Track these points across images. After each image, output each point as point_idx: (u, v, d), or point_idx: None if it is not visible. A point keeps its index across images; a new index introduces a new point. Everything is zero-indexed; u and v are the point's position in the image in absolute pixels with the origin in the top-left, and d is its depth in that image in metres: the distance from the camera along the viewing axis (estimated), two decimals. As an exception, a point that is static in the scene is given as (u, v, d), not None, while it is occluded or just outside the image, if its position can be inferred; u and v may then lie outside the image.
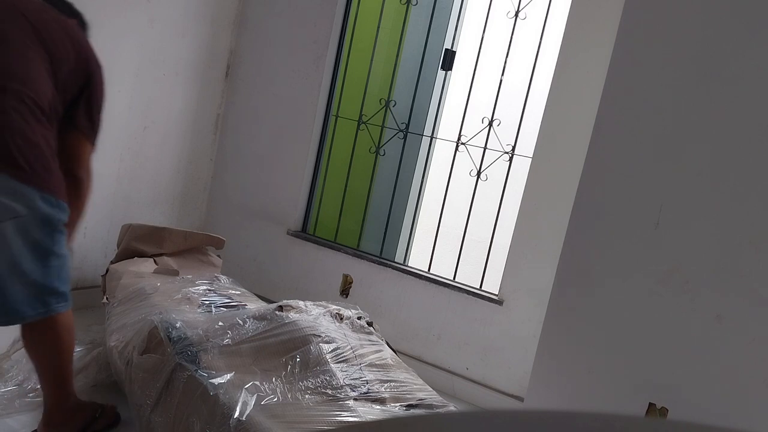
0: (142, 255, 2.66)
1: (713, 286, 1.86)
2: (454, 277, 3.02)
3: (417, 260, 3.30)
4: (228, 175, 3.59)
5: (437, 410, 1.91)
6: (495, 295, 2.84)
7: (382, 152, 3.30)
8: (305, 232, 3.42)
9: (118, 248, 2.71)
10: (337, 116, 3.39)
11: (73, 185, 1.89)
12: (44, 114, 1.77)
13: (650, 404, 1.94)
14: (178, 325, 2.00)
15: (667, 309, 1.91)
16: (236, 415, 1.62)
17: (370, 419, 1.69)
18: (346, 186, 3.39)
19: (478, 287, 2.95)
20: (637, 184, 1.97)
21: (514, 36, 2.90)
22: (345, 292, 3.20)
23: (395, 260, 3.23)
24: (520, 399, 2.72)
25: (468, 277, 3.02)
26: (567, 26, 2.67)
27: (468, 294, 2.89)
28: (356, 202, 3.42)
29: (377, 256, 3.18)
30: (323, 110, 3.36)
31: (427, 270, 3.10)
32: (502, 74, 2.94)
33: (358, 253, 3.21)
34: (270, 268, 3.44)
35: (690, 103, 1.89)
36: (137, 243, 2.67)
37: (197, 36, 3.31)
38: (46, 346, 1.90)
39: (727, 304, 1.83)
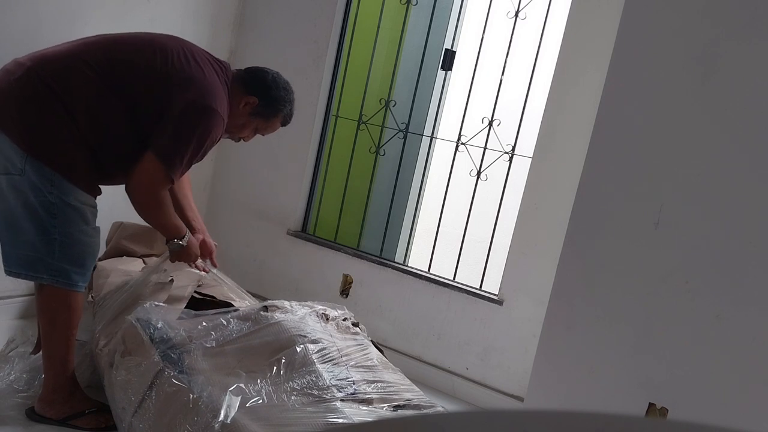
0: (131, 254, 2.60)
1: (713, 286, 1.85)
2: (454, 277, 3.02)
3: (417, 260, 3.30)
4: (228, 175, 3.59)
5: (425, 411, 1.89)
6: (495, 295, 2.84)
7: (382, 152, 3.30)
8: (305, 232, 3.42)
9: (107, 245, 2.65)
10: (337, 116, 3.38)
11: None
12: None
13: (650, 404, 1.94)
14: (159, 325, 1.96)
15: (667, 309, 1.91)
16: (221, 418, 1.60)
17: (358, 421, 1.67)
18: (346, 186, 3.39)
19: (478, 287, 2.94)
20: (637, 184, 1.96)
21: (514, 36, 2.90)
22: (345, 292, 3.20)
23: (395, 260, 3.23)
24: (520, 399, 2.72)
25: (468, 277, 3.02)
26: (567, 26, 2.66)
27: (468, 294, 2.89)
28: (356, 202, 3.41)
29: (377, 256, 3.18)
30: (323, 110, 3.36)
31: (427, 270, 3.10)
32: (502, 74, 2.94)
33: (358, 253, 3.21)
34: (270, 268, 3.43)
35: (690, 103, 1.89)
36: (127, 242, 2.61)
37: (197, 36, 3.30)
38: (41, 311, 2.00)
39: (727, 304, 1.83)
